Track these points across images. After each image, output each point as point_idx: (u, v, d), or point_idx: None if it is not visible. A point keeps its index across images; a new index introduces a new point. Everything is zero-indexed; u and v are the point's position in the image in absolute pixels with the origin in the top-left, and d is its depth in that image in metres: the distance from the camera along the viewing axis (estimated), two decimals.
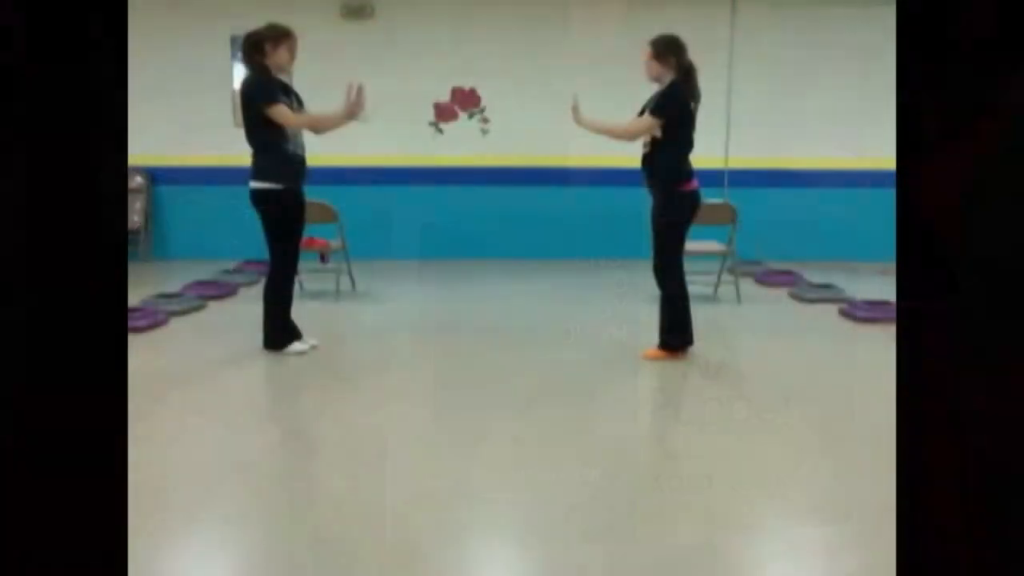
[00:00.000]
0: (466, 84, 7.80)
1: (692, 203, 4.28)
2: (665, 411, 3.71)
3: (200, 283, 6.19)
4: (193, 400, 3.75)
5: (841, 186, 7.96)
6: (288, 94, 4.27)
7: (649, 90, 4.39)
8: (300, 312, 5.55)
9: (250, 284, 6.49)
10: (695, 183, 4.26)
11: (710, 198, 6.07)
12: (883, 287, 6.12)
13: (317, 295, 6.03)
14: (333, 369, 4.35)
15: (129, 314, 4.85)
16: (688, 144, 4.21)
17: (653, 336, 4.51)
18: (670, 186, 4.22)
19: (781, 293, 6.30)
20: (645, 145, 4.31)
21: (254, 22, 4.07)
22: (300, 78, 7.71)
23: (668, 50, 4.15)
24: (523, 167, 7.88)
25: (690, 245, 5.96)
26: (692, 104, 4.16)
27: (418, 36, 7.68)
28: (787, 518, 2.56)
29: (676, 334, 4.41)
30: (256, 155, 4.20)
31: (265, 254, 4.41)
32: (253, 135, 4.18)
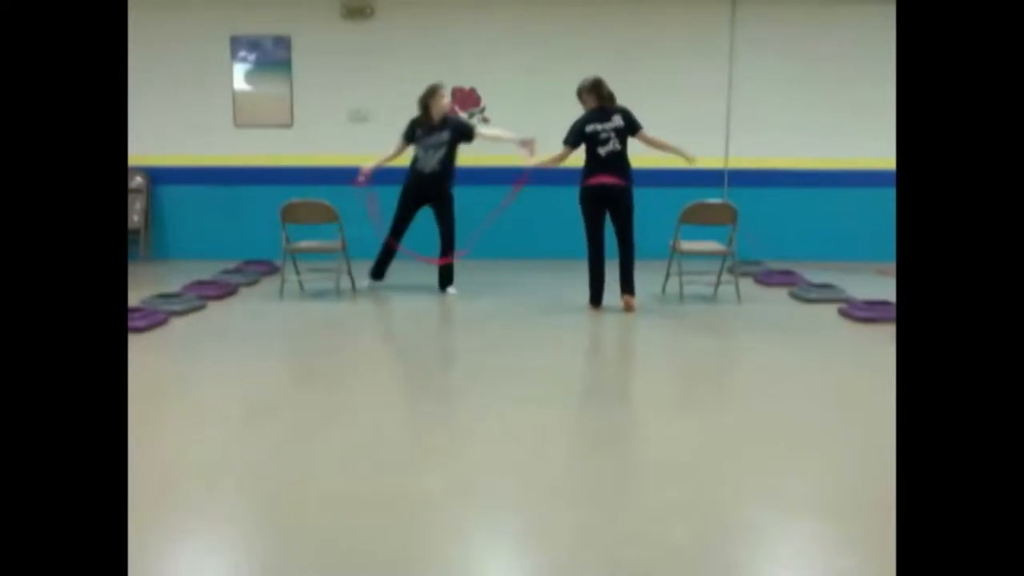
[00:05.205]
0: (466, 84, 7.80)
1: (584, 196, 5.53)
2: (662, 410, 3.71)
3: (200, 283, 6.18)
4: (193, 400, 3.75)
5: (841, 186, 7.95)
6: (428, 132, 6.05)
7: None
8: (300, 311, 5.56)
9: (250, 284, 6.48)
10: (590, 181, 5.46)
11: (710, 198, 6.09)
12: (883, 287, 6.12)
13: (317, 295, 6.03)
14: (333, 368, 4.34)
15: (129, 314, 4.85)
16: (587, 156, 5.49)
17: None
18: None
19: (781, 293, 6.30)
20: None
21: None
22: (301, 78, 7.75)
23: (579, 94, 5.58)
24: (523, 167, 7.86)
25: (690, 245, 5.99)
26: (589, 126, 5.46)
27: (418, 36, 7.67)
28: (786, 517, 2.56)
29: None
30: None
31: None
32: None
